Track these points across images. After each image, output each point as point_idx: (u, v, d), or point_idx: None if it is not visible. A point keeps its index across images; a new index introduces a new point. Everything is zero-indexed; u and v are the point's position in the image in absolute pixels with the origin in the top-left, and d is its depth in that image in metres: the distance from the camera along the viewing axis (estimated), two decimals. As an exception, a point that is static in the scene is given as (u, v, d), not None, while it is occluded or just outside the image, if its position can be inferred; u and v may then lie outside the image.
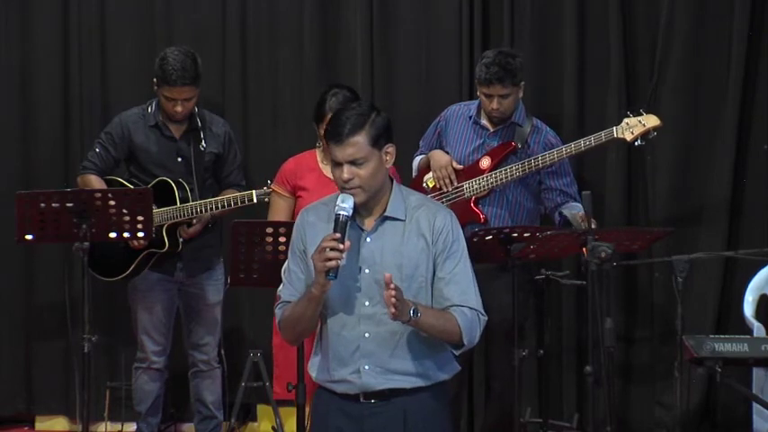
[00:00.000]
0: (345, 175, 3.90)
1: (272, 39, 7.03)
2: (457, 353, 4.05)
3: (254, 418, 6.98)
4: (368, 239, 3.95)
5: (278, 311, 4.06)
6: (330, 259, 3.80)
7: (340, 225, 3.86)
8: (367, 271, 3.93)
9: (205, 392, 6.38)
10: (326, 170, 5.67)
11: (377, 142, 3.94)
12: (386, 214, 3.98)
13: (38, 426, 7.19)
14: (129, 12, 7.09)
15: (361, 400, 3.99)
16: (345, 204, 3.88)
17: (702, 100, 6.71)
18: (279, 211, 5.68)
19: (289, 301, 4.02)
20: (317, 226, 4.00)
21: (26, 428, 7.20)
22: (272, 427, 6.36)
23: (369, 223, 3.98)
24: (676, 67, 6.68)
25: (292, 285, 4.03)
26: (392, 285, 3.78)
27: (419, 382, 4.00)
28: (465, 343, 3.97)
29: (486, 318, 4.04)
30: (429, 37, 6.92)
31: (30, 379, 7.17)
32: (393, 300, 3.77)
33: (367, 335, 3.95)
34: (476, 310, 3.99)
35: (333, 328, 3.98)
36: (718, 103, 6.67)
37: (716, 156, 6.68)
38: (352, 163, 3.90)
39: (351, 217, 3.93)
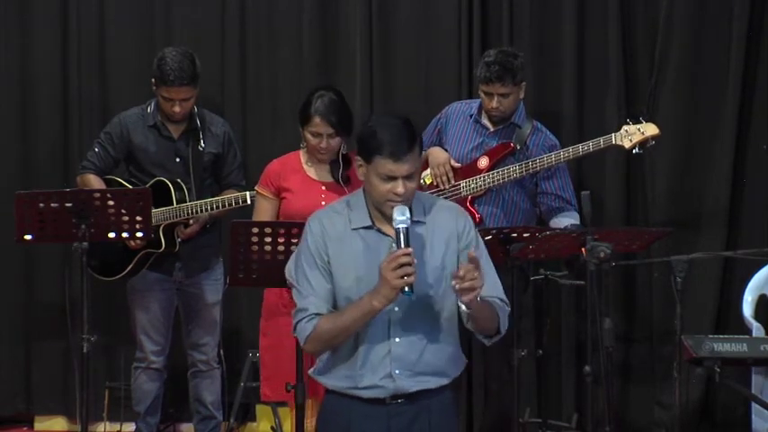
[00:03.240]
0: (401, 190, 3.89)
1: (271, 39, 7.04)
2: (489, 342, 4.10)
3: (253, 418, 6.99)
4: (394, 246, 3.91)
5: (307, 324, 3.97)
6: (408, 275, 3.80)
7: (404, 237, 3.85)
8: None
9: (204, 392, 6.38)
10: (310, 171, 5.67)
11: (421, 153, 3.99)
12: (413, 218, 3.96)
13: (37, 426, 7.20)
14: (128, 12, 7.09)
15: (388, 402, 4.00)
16: (404, 217, 3.87)
17: (702, 100, 6.71)
18: (263, 213, 5.66)
19: (318, 314, 3.97)
20: (336, 236, 3.98)
21: (25, 428, 7.20)
22: (272, 427, 6.37)
23: (390, 229, 3.95)
24: (675, 68, 6.68)
25: (319, 297, 3.97)
26: (461, 273, 3.79)
27: (443, 381, 4.05)
28: (502, 332, 4.05)
29: (510, 308, 4.11)
30: (429, 37, 6.92)
31: (29, 379, 7.17)
32: (470, 283, 3.78)
33: (397, 339, 3.97)
34: (504, 301, 4.08)
35: (362, 335, 3.97)
36: (717, 103, 6.67)
37: (715, 156, 6.68)
38: (407, 177, 3.91)
39: (373, 225, 3.98)
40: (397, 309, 3.95)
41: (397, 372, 3.97)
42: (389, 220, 3.92)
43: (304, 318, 3.98)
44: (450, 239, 4.01)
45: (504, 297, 4.08)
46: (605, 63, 6.73)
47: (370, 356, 3.97)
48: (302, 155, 5.72)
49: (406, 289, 3.81)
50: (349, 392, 4.02)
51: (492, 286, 4.04)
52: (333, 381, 4.06)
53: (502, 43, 6.61)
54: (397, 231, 3.86)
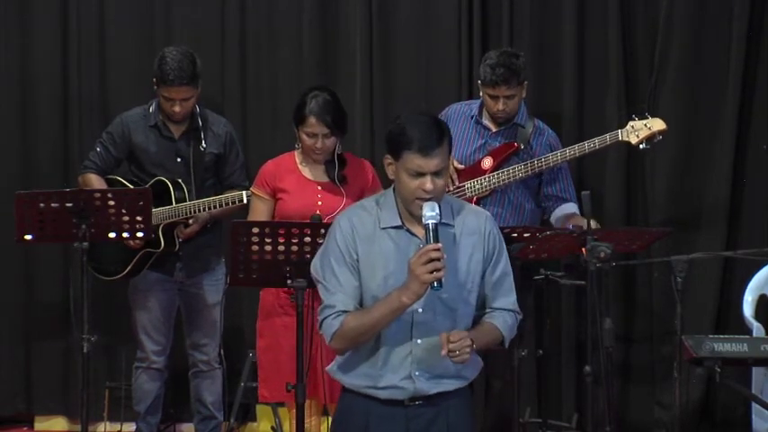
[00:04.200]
0: (430, 186, 3.91)
1: (271, 39, 7.04)
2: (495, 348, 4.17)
3: (254, 418, 6.99)
4: (421, 246, 3.93)
5: (334, 321, 3.98)
6: (438, 270, 3.82)
7: (433, 233, 3.87)
8: None
9: (205, 393, 6.38)
10: (305, 171, 5.67)
11: (450, 151, 4.00)
12: (442, 221, 3.98)
13: (37, 426, 7.20)
14: (128, 12, 7.09)
15: (406, 403, 4.02)
16: (434, 212, 3.89)
17: (702, 100, 6.72)
18: (259, 213, 5.67)
19: (345, 311, 3.98)
20: (366, 235, 4.00)
21: (25, 428, 7.20)
22: (272, 427, 6.37)
23: (420, 230, 3.98)
24: (675, 67, 6.68)
25: (347, 295, 3.99)
26: (452, 345, 3.87)
27: (460, 384, 4.09)
28: (506, 345, 4.15)
29: (522, 315, 4.18)
30: (429, 37, 6.92)
31: (29, 379, 7.17)
32: (464, 354, 3.89)
33: (419, 341, 4.00)
34: (515, 311, 4.14)
35: (384, 335, 3.99)
36: (717, 103, 6.67)
37: (715, 156, 6.69)
38: (436, 173, 3.92)
39: (402, 225, 3.99)
40: (420, 310, 3.97)
41: (417, 373, 4.00)
42: (419, 220, 3.94)
43: (331, 314, 3.99)
44: (476, 243, 4.04)
45: (515, 307, 4.14)
46: (605, 63, 6.73)
47: (391, 357, 3.99)
48: (297, 155, 5.72)
49: (435, 284, 3.84)
50: (367, 392, 4.03)
51: (505, 296, 4.11)
52: (351, 379, 4.08)
53: (502, 43, 6.61)
54: (427, 227, 3.89)
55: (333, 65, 6.98)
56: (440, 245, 3.84)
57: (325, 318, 4.00)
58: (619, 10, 6.70)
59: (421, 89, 6.92)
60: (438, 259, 3.82)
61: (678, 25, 6.67)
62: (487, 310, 4.11)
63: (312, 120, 5.53)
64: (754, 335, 6.02)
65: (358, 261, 3.99)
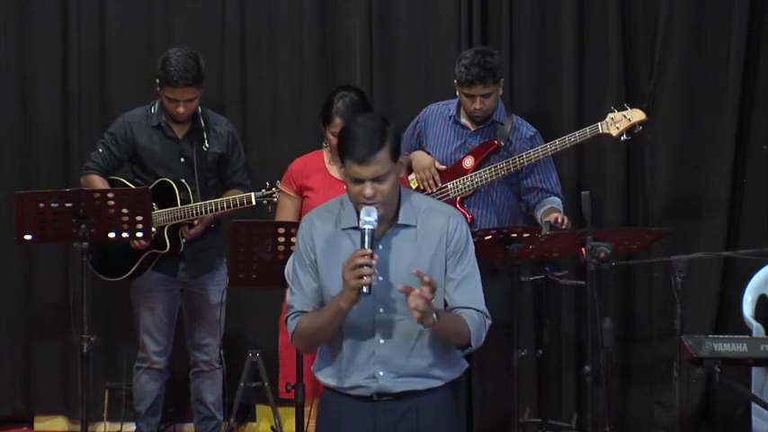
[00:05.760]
0: (369, 192, 3.87)
1: (271, 40, 7.03)
2: (462, 354, 4.08)
3: (254, 418, 6.99)
4: (380, 247, 3.94)
5: (291, 322, 4.02)
6: (364, 276, 3.80)
7: (368, 239, 3.85)
8: (381, 278, 3.91)
9: (205, 393, 6.38)
10: (333, 170, 5.69)
11: (395, 155, 3.94)
12: (399, 222, 3.98)
13: (37, 426, 7.20)
14: (128, 13, 7.09)
15: (375, 399, 4.01)
16: (371, 218, 3.86)
17: (702, 100, 6.71)
18: (286, 211, 5.70)
19: (302, 311, 4.00)
20: (326, 235, 4.00)
21: (25, 428, 7.20)
22: (272, 427, 6.37)
23: (380, 231, 3.95)
24: (675, 67, 6.68)
25: (305, 295, 4.00)
26: (424, 290, 3.78)
27: (432, 383, 4.04)
28: (472, 345, 4.01)
29: (491, 321, 4.07)
30: (429, 37, 6.92)
31: (29, 379, 7.17)
32: (422, 302, 3.77)
33: (381, 341, 3.98)
34: (483, 313, 4.03)
35: (347, 336, 3.99)
36: (717, 102, 6.67)
37: (715, 155, 6.68)
38: (375, 180, 3.89)
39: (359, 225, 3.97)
40: (382, 310, 3.95)
41: (381, 373, 3.98)
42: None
43: (290, 315, 4.04)
44: (440, 242, 4.00)
45: (483, 308, 4.04)
46: (605, 63, 6.72)
47: (355, 357, 3.99)
48: (325, 154, 5.74)
49: (364, 290, 3.81)
50: (337, 390, 4.04)
51: (471, 296, 4.02)
52: (324, 378, 4.09)
53: (502, 44, 6.61)
54: (362, 232, 3.86)
55: (333, 65, 6.98)
56: (370, 251, 3.82)
57: (286, 318, 4.05)
58: (619, 10, 6.69)
59: (421, 89, 6.92)
60: (367, 265, 3.80)
61: (678, 25, 6.67)
62: (454, 307, 4.03)
63: (338, 120, 5.54)
64: (754, 335, 6.01)
65: (316, 262, 3.99)
